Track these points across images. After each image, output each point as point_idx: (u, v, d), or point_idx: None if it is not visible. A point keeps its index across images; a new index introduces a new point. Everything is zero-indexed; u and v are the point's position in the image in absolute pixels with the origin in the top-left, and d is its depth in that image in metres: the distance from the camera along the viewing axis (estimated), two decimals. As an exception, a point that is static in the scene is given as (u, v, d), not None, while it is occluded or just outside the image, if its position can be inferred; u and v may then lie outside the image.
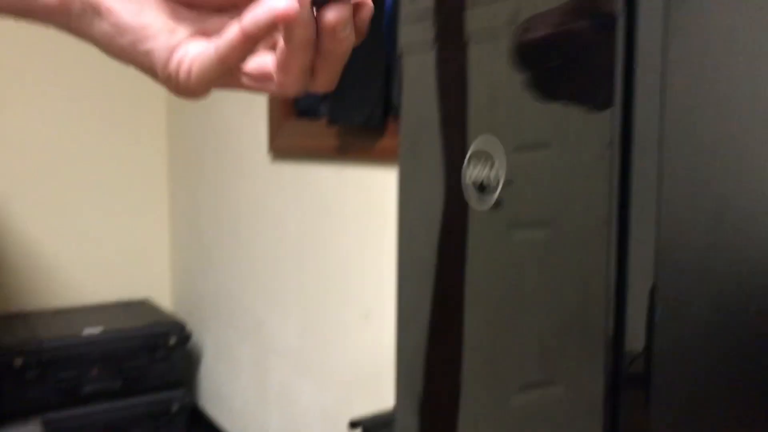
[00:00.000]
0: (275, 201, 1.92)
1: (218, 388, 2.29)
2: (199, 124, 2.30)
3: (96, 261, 2.44)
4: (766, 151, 0.48)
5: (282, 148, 1.87)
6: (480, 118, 0.51)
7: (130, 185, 2.49)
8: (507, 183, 0.48)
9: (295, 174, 1.83)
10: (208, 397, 2.36)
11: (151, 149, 2.53)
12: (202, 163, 2.34)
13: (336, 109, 1.55)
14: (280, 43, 0.39)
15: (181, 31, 0.40)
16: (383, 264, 1.49)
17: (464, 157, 0.52)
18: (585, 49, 0.44)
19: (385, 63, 1.41)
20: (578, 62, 0.44)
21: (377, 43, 1.46)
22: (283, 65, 0.39)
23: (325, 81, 0.41)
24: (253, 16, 0.37)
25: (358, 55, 0.43)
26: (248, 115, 1.97)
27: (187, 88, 0.40)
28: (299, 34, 0.37)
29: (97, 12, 0.39)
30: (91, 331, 2.09)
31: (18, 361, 1.94)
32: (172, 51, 0.39)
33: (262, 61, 0.41)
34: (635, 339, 0.43)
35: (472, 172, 0.51)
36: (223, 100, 2.11)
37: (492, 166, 0.49)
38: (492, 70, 0.51)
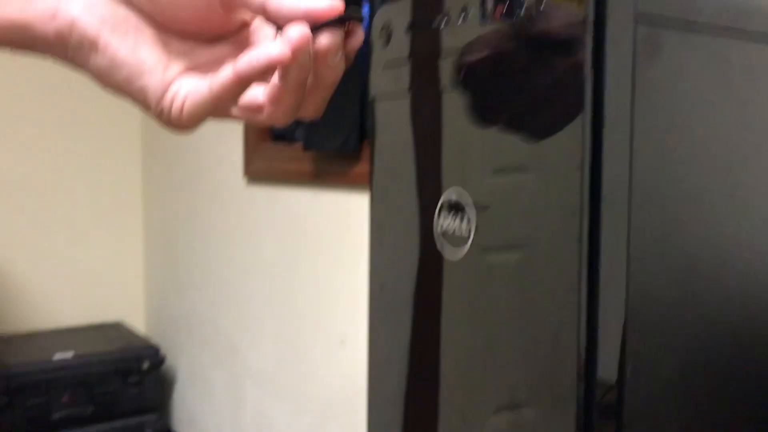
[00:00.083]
0: (250, 224, 1.91)
1: (192, 413, 2.26)
2: (174, 146, 2.28)
3: (68, 283, 2.41)
4: (732, 208, 0.49)
5: (257, 171, 1.86)
6: (452, 169, 0.51)
7: (103, 207, 2.47)
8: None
9: (271, 198, 1.82)
10: (182, 422, 2.33)
11: (126, 171, 2.51)
12: (177, 185, 2.32)
13: (311, 134, 1.55)
14: (274, 78, 0.40)
15: (175, 66, 0.41)
16: (359, 289, 1.48)
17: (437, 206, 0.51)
18: (551, 111, 0.44)
19: (360, 88, 1.41)
20: (545, 125, 0.45)
21: (352, 68, 1.47)
22: (275, 99, 0.40)
23: (314, 109, 0.43)
24: (248, 60, 0.38)
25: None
26: (224, 138, 1.96)
27: (179, 122, 0.41)
28: (296, 74, 0.39)
29: (93, 46, 0.40)
30: (62, 355, 2.05)
31: (-15, 388, 1.91)
32: (166, 86, 0.40)
33: (253, 92, 0.42)
34: (608, 399, 0.43)
35: (443, 223, 0.51)
36: (198, 122, 2.09)
37: (463, 218, 0.49)
38: (465, 119, 0.51)
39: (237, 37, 0.43)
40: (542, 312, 0.45)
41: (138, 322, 2.53)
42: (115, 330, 2.37)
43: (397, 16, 0.56)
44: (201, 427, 2.21)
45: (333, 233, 1.61)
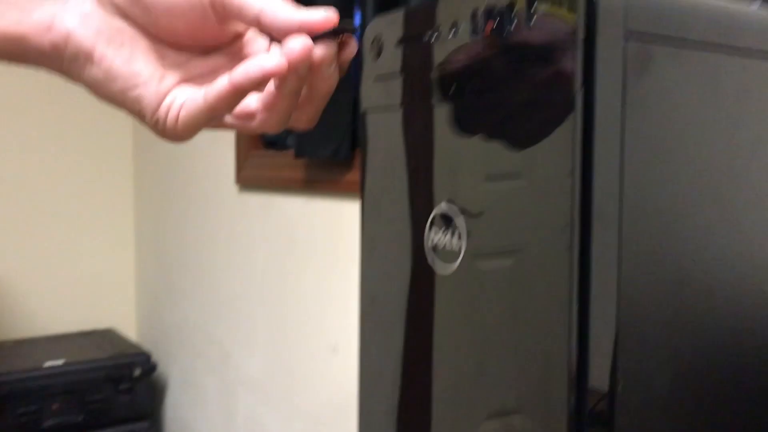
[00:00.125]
0: (242, 231, 1.91)
1: (184, 421, 2.25)
2: (165, 153, 2.28)
3: (59, 290, 2.39)
4: (722, 223, 0.49)
5: (249, 178, 1.85)
6: (444, 183, 0.51)
7: (94, 213, 2.46)
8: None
9: (263, 205, 1.81)
10: (174, 430, 2.32)
11: (117, 177, 2.50)
12: (168, 191, 2.31)
13: (303, 142, 1.55)
14: (269, 85, 0.41)
15: (170, 77, 0.41)
16: (351, 297, 1.48)
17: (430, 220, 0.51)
18: (541, 128, 0.44)
19: (352, 96, 1.41)
20: (536, 141, 0.44)
21: (344, 77, 1.47)
22: (270, 106, 0.41)
23: (307, 119, 0.44)
24: (244, 70, 0.38)
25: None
26: (216, 145, 1.96)
27: (174, 132, 0.41)
28: (292, 83, 0.39)
29: (89, 58, 0.40)
30: (53, 363, 2.04)
31: (-25, 396, 1.90)
32: (161, 97, 0.41)
33: (245, 100, 0.42)
34: (599, 412, 0.43)
35: (434, 237, 0.51)
36: (190, 128, 2.09)
37: (454, 232, 0.49)
38: (457, 134, 0.51)
39: (231, 49, 0.44)
40: (533, 325, 0.45)
41: (129, 329, 2.52)
42: (107, 337, 2.36)
43: (388, 29, 0.56)
44: (193, 435, 2.20)
45: (325, 240, 1.60)
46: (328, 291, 1.59)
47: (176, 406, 2.30)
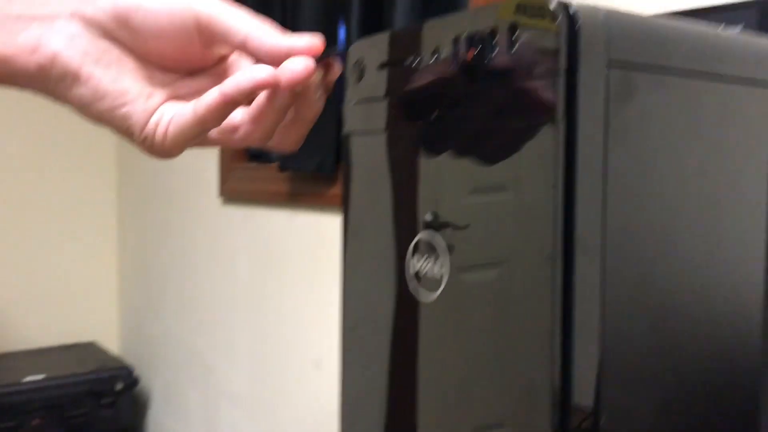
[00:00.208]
0: (226, 244, 1.90)
1: (166, 435, 2.23)
2: (149, 165, 2.26)
3: (40, 303, 2.37)
4: (706, 252, 0.49)
5: (233, 191, 1.84)
6: (427, 209, 0.50)
7: (76, 225, 2.43)
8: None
9: (246, 218, 1.80)
10: (156, 444, 2.30)
11: (100, 188, 2.48)
12: (151, 204, 2.30)
13: (287, 155, 1.54)
14: (259, 99, 0.42)
15: (157, 95, 0.42)
16: (334, 311, 1.47)
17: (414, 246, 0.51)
18: (523, 158, 0.44)
19: (336, 110, 1.41)
20: (517, 171, 0.44)
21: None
22: (257, 119, 0.42)
23: (293, 141, 0.45)
24: (235, 82, 0.39)
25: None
26: (199, 158, 1.95)
27: (162, 148, 0.41)
28: (284, 98, 0.41)
29: (76, 78, 0.40)
30: (33, 378, 2.02)
31: (-47, 412, 1.87)
32: (149, 113, 0.41)
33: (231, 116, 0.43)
34: (580, 444, 0.43)
35: (417, 264, 0.50)
36: (173, 140, 2.08)
37: (436, 260, 0.49)
38: (440, 161, 0.50)
39: (215, 70, 0.44)
40: (517, 351, 0.45)
41: (112, 343, 2.50)
42: (89, 350, 2.34)
43: (370, 52, 0.55)
44: (175, 449, 2.18)
45: (308, 254, 1.60)
46: (312, 305, 1.58)
47: (159, 421, 2.28)
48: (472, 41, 0.46)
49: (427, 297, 0.50)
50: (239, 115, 0.44)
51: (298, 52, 0.40)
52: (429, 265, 0.49)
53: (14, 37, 0.41)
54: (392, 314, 0.54)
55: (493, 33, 0.44)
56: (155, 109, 0.41)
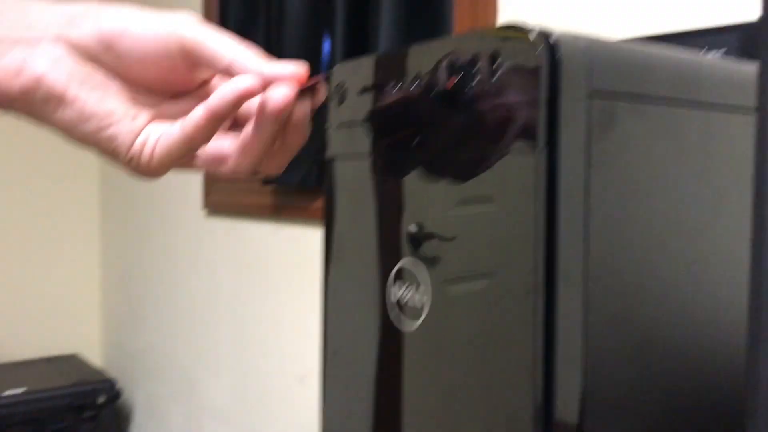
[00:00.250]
0: (209, 257, 1.88)
1: (149, 448, 2.21)
2: (133, 177, 2.24)
3: (21, 314, 2.34)
4: (689, 280, 0.48)
5: (217, 203, 1.83)
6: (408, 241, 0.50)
7: (59, 236, 2.41)
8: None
9: (230, 230, 1.79)
10: (139, 458, 2.27)
11: (83, 200, 2.46)
12: (135, 215, 2.28)
13: (271, 169, 1.54)
14: (247, 128, 0.42)
15: (143, 116, 0.42)
16: (319, 326, 1.46)
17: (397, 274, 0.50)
18: (504, 188, 0.43)
19: (320, 125, 1.40)
20: (498, 201, 0.44)
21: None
22: (245, 149, 0.42)
23: (279, 165, 0.45)
24: (219, 95, 0.39)
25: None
26: (182, 169, 1.93)
27: (148, 168, 0.42)
28: (270, 128, 0.41)
29: (61, 100, 0.40)
30: (13, 391, 1.99)
31: (-68, 427, 1.84)
32: (135, 134, 0.41)
33: (218, 143, 0.44)
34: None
35: (398, 292, 0.50)
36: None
37: (417, 288, 0.48)
38: (423, 189, 0.50)
39: (199, 93, 0.45)
40: (498, 389, 0.45)
41: (94, 355, 2.47)
42: (70, 363, 2.31)
43: (352, 76, 0.55)
44: (158, 463, 2.16)
45: (293, 267, 1.59)
46: (296, 319, 1.57)
47: (141, 434, 2.25)
48: (453, 69, 0.45)
49: (409, 326, 0.49)
50: (228, 146, 0.44)
51: (283, 78, 0.41)
52: (410, 293, 0.49)
53: None
54: (373, 340, 0.53)
55: (473, 61, 0.44)
56: (141, 130, 0.42)
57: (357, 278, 0.55)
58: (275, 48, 1.57)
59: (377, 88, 0.52)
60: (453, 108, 0.46)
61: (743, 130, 0.51)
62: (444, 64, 0.46)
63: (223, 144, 0.44)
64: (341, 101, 0.56)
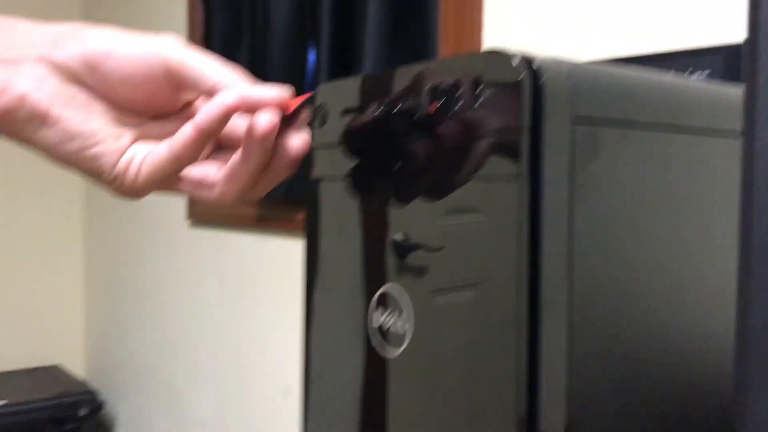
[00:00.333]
0: (193, 268, 1.87)
1: (132, 461, 2.19)
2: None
3: (2, 325, 2.31)
4: (674, 307, 0.48)
5: (201, 214, 1.82)
6: (393, 262, 0.49)
7: (42, 246, 2.39)
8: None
9: (215, 241, 1.78)
10: (121, 470, 2.25)
11: (66, 208, 2.44)
12: (119, 225, 2.26)
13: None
14: (234, 156, 0.42)
15: (127, 135, 0.42)
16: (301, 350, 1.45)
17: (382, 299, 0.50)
18: (487, 217, 0.43)
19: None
20: (481, 230, 0.43)
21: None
22: (232, 177, 0.42)
23: (262, 191, 0.45)
24: (206, 111, 0.39)
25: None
26: (166, 179, 1.92)
27: (133, 187, 0.42)
28: (257, 156, 0.41)
29: (44, 120, 0.40)
30: (-6, 404, 1.97)
31: None
32: (120, 153, 0.41)
33: (204, 169, 0.44)
34: None
35: (380, 317, 0.49)
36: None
37: (400, 314, 0.47)
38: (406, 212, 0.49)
39: (182, 114, 0.45)
40: (481, 419, 0.44)
41: (77, 366, 2.45)
42: (52, 374, 2.29)
43: (334, 97, 0.54)
44: (141, 476, 2.13)
45: (278, 279, 1.58)
46: (282, 331, 1.56)
47: (124, 447, 2.23)
48: (435, 93, 0.45)
49: (391, 352, 0.48)
50: (213, 173, 0.44)
51: (267, 103, 0.41)
52: (393, 319, 0.48)
53: None
54: (356, 366, 0.52)
55: (456, 86, 0.43)
56: (125, 149, 0.42)
57: (340, 302, 0.54)
58: (260, 59, 1.56)
59: (359, 110, 0.51)
60: (434, 133, 0.45)
61: (729, 154, 0.50)
62: (426, 88, 0.45)
63: (209, 170, 0.44)
64: (323, 122, 0.55)
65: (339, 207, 0.55)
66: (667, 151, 0.47)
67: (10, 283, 2.33)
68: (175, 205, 1.90)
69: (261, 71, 1.55)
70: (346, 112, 0.52)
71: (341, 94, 0.54)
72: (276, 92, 0.41)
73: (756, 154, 0.30)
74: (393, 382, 0.49)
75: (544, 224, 0.41)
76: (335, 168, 0.54)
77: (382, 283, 0.49)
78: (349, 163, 0.53)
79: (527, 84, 0.40)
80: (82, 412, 2.07)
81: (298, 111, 0.44)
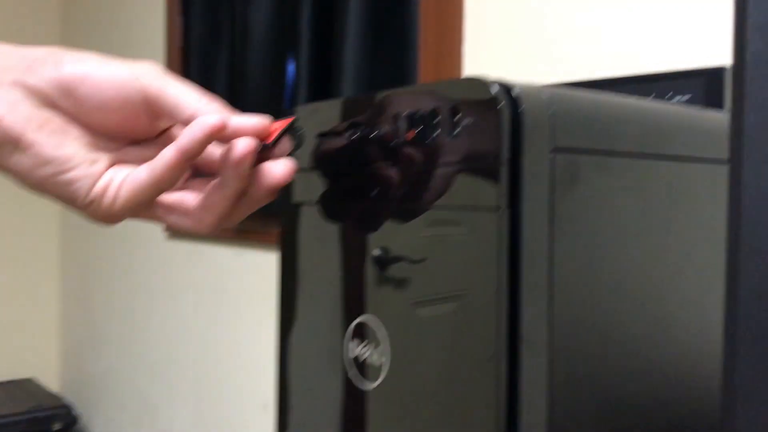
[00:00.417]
0: (171, 281, 1.84)
1: (107, 476, 2.15)
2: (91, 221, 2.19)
3: (-25, 338, 2.27)
4: (656, 336, 0.47)
5: (178, 226, 1.80)
6: (371, 291, 0.48)
7: (16, 257, 2.35)
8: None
9: (192, 254, 1.76)
10: (96, 485, 2.21)
11: (42, 219, 2.40)
12: (95, 236, 2.23)
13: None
14: (210, 185, 0.42)
15: (102, 160, 0.41)
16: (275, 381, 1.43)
17: (360, 329, 0.48)
18: (466, 247, 0.41)
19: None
20: (459, 261, 0.42)
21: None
22: (208, 204, 0.42)
23: (239, 218, 0.44)
24: (189, 134, 0.39)
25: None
26: (143, 191, 1.90)
27: (109, 212, 0.41)
28: (235, 181, 0.40)
29: (17, 145, 0.39)
30: (-35, 419, 1.93)
31: None
32: (95, 179, 0.41)
33: (181, 197, 0.43)
34: None
35: (356, 349, 0.48)
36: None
37: (377, 347, 0.46)
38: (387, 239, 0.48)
39: (159, 140, 0.44)
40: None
41: (52, 379, 2.41)
42: (26, 388, 2.25)
43: (311, 121, 0.53)
44: (116, 491, 2.10)
45: (256, 293, 1.56)
46: (259, 345, 1.54)
47: (99, 461, 2.19)
48: (413, 121, 0.44)
49: (367, 385, 0.47)
50: (190, 200, 0.43)
51: (247, 130, 0.40)
52: (369, 351, 0.47)
53: None
54: (333, 397, 0.51)
55: (434, 113, 0.42)
56: (101, 174, 0.41)
57: (316, 332, 0.53)
58: (239, 69, 1.54)
59: (336, 134, 0.50)
60: (413, 162, 0.44)
61: (710, 180, 0.50)
62: (404, 114, 0.44)
63: (185, 198, 0.43)
64: (299, 146, 0.54)
65: (316, 233, 0.54)
66: (648, 179, 0.47)
67: (-16, 295, 2.28)
68: (152, 216, 1.87)
69: (240, 81, 1.54)
70: (323, 135, 0.51)
71: (319, 116, 0.53)
72: (254, 120, 0.41)
73: (743, 182, 0.30)
74: (370, 412, 0.48)
75: (524, 256, 0.40)
76: (311, 193, 0.53)
77: (360, 312, 0.48)
78: (323, 188, 0.52)
79: (506, 112, 0.39)
80: (57, 426, 2.03)
81: (279, 139, 0.43)
